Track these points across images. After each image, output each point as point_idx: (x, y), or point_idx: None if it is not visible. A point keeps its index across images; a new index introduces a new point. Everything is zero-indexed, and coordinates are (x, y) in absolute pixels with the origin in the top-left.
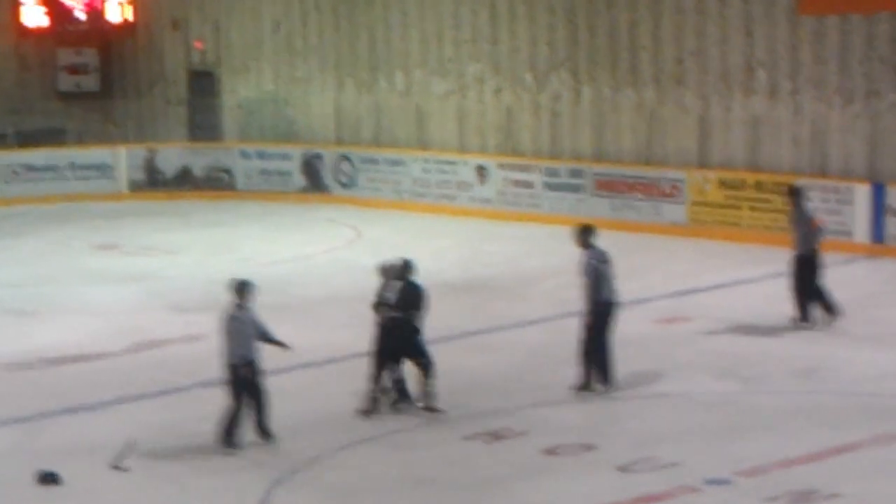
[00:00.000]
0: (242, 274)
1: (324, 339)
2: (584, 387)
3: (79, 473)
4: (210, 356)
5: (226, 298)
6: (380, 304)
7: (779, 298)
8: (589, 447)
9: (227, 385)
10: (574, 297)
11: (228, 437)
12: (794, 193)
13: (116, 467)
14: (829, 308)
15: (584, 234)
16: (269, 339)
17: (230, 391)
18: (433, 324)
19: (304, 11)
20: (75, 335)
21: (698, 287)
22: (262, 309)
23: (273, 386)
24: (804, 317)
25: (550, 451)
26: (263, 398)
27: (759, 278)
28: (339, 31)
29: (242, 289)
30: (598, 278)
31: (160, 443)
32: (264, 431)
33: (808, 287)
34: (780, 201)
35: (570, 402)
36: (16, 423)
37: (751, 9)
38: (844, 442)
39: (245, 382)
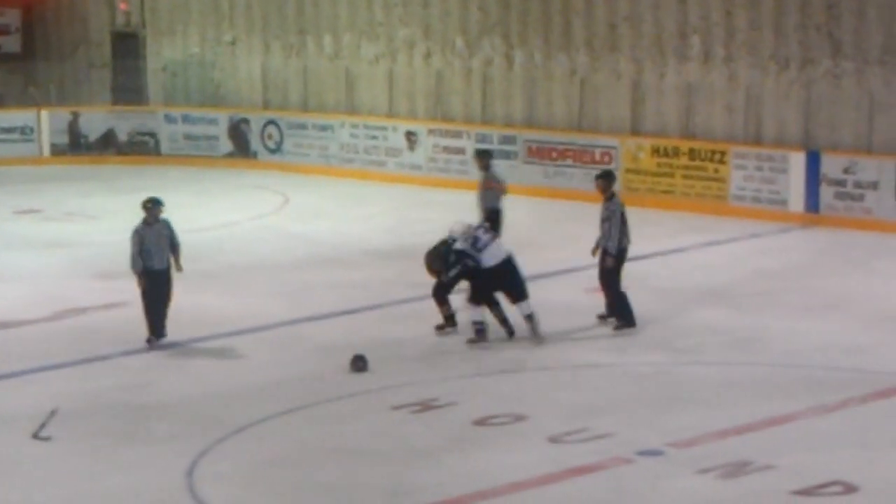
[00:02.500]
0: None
1: (251, 308)
2: (624, 325)
3: None
4: (133, 323)
5: None
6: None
7: (713, 267)
8: (520, 418)
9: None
10: None
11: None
12: (483, 156)
13: (37, 437)
14: None
15: (609, 180)
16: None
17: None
18: (361, 292)
19: None
20: None
21: (630, 256)
22: (188, 276)
23: (199, 354)
24: None
25: (480, 422)
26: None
27: (692, 247)
28: None
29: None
30: (623, 224)
31: (82, 412)
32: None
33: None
34: (713, 169)
35: (500, 372)
36: None
37: None
38: (779, 413)
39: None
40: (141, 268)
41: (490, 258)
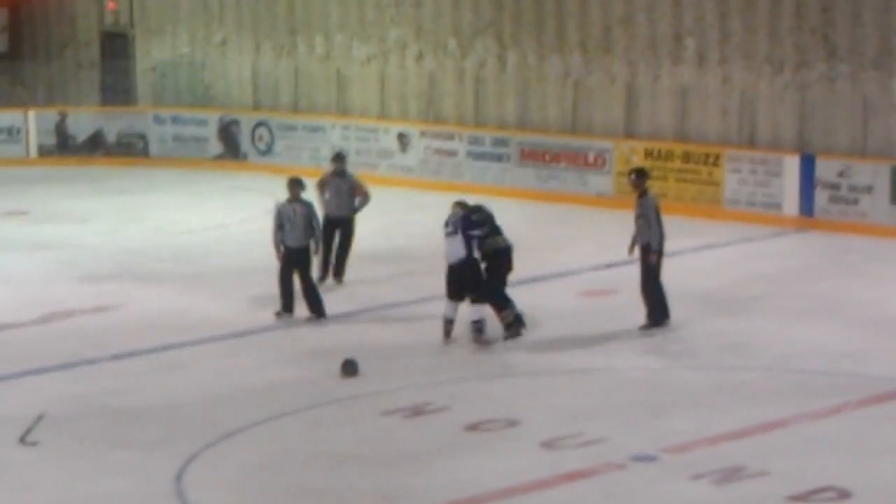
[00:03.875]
0: (155, 244)
1: (240, 312)
2: (653, 323)
3: None
4: (121, 327)
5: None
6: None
7: (705, 272)
8: (512, 423)
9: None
10: None
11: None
12: (338, 159)
13: (24, 441)
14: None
15: (642, 177)
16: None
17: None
18: (352, 295)
19: None
20: None
21: (624, 260)
22: (177, 279)
23: (189, 358)
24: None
25: (472, 427)
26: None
27: (685, 251)
28: None
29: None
30: (658, 220)
31: (70, 416)
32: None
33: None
34: (707, 172)
35: (492, 376)
36: None
37: None
38: (773, 418)
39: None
40: (279, 243)
41: (449, 255)
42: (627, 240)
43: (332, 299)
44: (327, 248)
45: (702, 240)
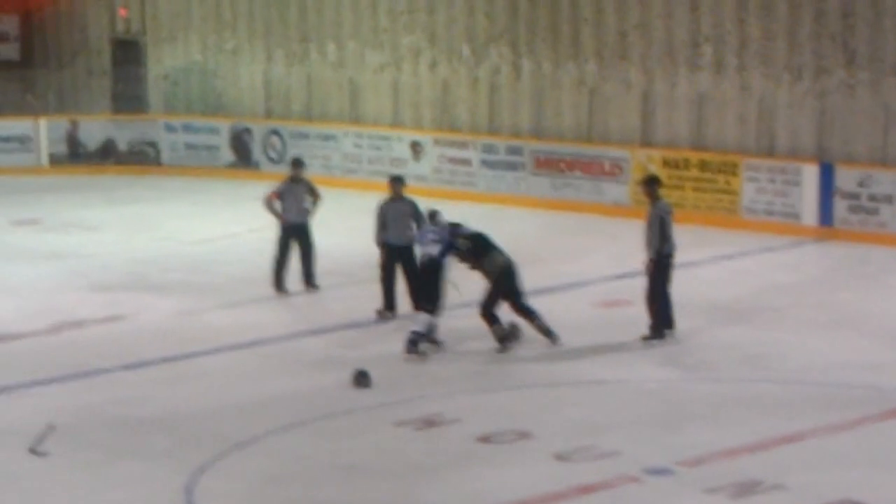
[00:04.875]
0: (166, 253)
1: (251, 321)
2: (654, 335)
3: None
4: (131, 337)
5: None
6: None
7: (723, 282)
8: (525, 435)
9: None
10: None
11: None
12: (297, 165)
13: (34, 452)
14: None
15: (653, 184)
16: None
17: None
18: (363, 306)
19: None
20: None
21: (641, 270)
22: (188, 289)
23: (199, 368)
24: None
25: (485, 439)
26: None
27: (703, 261)
28: None
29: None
30: (665, 229)
31: (80, 426)
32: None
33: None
34: (724, 181)
35: (505, 388)
36: None
37: None
38: (790, 431)
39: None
40: (381, 241)
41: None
42: (643, 250)
43: (343, 309)
44: (283, 256)
45: (719, 250)
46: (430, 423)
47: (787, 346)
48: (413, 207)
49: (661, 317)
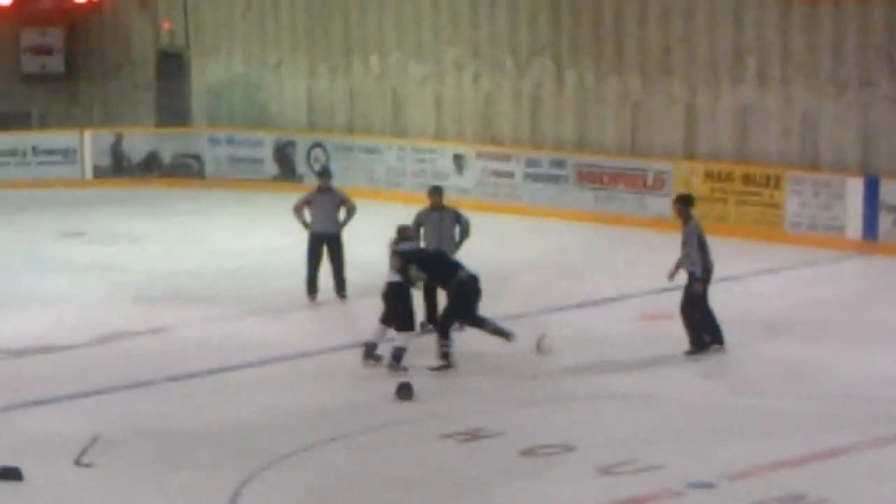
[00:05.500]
0: (210, 266)
1: (294, 333)
2: (696, 349)
3: (40, 469)
4: (175, 349)
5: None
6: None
7: (766, 296)
8: (569, 448)
9: None
10: (553, 291)
11: None
12: (324, 175)
13: (79, 463)
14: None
15: (686, 203)
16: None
17: None
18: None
19: None
20: (38, 326)
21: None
22: (232, 301)
23: (243, 380)
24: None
25: (528, 452)
26: None
27: (746, 274)
28: (312, 12)
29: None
30: (704, 246)
31: (124, 438)
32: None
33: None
34: (768, 195)
35: (548, 401)
36: None
37: None
38: (833, 446)
39: None
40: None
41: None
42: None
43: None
44: (311, 264)
45: (762, 263)
46: (473, 436)
47: (831, 360)
48: (457, 218)
49: (703, 331)
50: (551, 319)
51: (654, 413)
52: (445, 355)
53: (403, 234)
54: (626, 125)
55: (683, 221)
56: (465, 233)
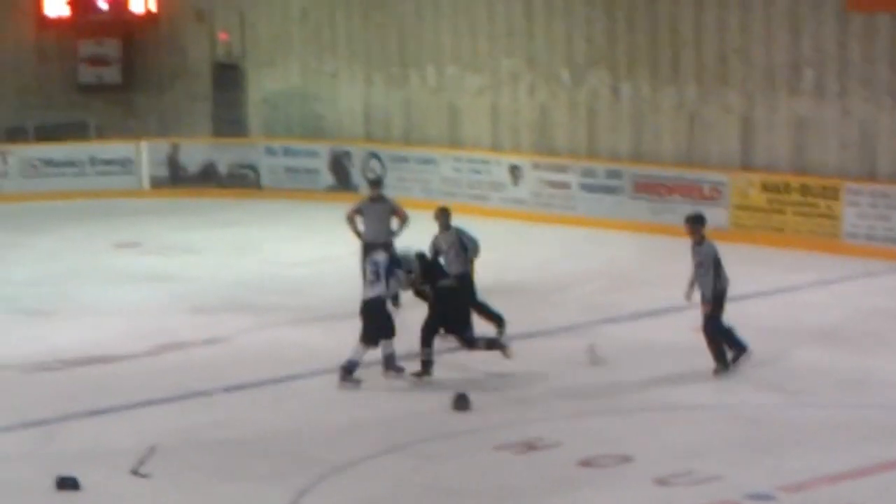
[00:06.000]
0: (266, 276)
1: (349, 343)
2: (722, 368)
3: (98, 479)
4: (232, 359)
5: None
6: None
7: (824, 307)
8: (626, 459)
9: None
10: (609, 302)
11: None
12: (375, 184)
13: (136, 473)
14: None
15: (698, 222)
16: None
17: None
18: None
19: (333, 2)
20: (94, 336)
21: (740, 295)
22: (288, 311)
23: (299, 390)
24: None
25: (586, 463)
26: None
27: (803, 286)
28: (368, 23)
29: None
30: (717, 267)
31: (181, 448)
32: None
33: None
34: (825, 206)
35: (605, 412)
36: (34, 426)
37: (797, 5)
38: (891, 457)
39: None
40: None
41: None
42: (742, 275)
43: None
44: (364, 272)
45: (819, 274)
46: (530, 446)
47: (889, 371)
48: (461, 236)
49: (723, 348)
50: (606, 330)
51: (710, 424)
52: (425, 364)
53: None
54: (682, 136)
55: (696, 242)
56: (404, 223)
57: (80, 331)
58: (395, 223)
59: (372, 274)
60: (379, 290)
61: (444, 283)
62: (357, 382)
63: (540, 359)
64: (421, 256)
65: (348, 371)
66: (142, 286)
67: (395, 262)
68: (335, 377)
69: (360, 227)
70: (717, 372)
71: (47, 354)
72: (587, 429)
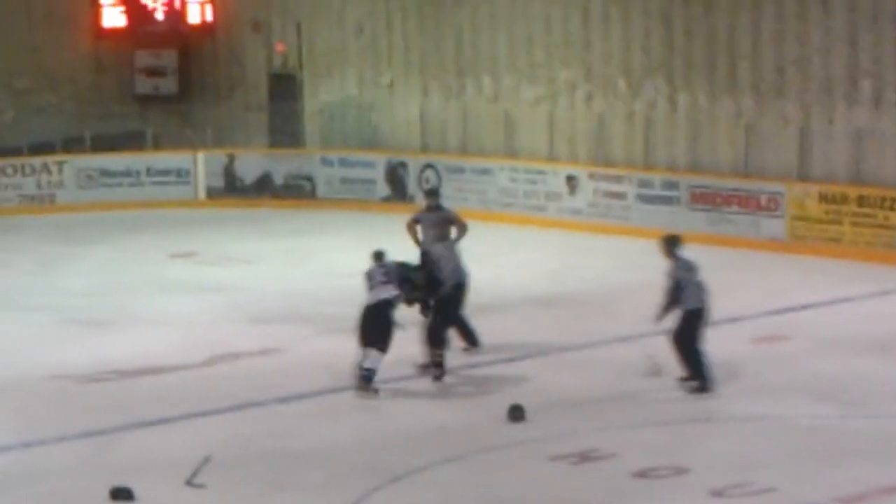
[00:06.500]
0: (322, 287)
1: (406, 354)
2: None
3: (153, 489)
4: (287, 370)
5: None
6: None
7: (881, 318)
8: (681, 470)
9: None
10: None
11: None
12: (432, 194)
13: (191, 483)
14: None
15: (670, 244)
16: None
17: None
18: (520, 340)
19: (389, 13)
20: (149, 347)
21: (797, 305)
22: (343, 322)
23: (353, 402)
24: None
25: (641, 474)
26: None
27: (861, 297)
28: (424, 33)
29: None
30: (681, 288)
31: (236, 459)
32: None
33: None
34: (883, 216)
35: (660, 423)
36: (89, 436)
37: (855, 16)
38: None
39: None
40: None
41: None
42: (799, 286)
43: (498, 343)
44: None
45: (877, 285)
46: (585, 457)
47: None
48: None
49: (700, 369)
50: (663, 341)
51: (766, 435)
52: (437, 365)
53: (382, 258)
54: (739, 146)
55: (670, 260)
56: (462, 232)
57: (135, 341)
58: (454, 231)
59: (383, 276)
60: (388, 293)
61: (444, 290)
62: (376, 392)
63: (596, 369)
64: (417, 269)
65: (367, 380)
66: (197, 297)
67: (405, 274)
68: (388, 388)
69: (420, 235)
70: (686, 385)
71: (102, 365)
72: (643, 440)
